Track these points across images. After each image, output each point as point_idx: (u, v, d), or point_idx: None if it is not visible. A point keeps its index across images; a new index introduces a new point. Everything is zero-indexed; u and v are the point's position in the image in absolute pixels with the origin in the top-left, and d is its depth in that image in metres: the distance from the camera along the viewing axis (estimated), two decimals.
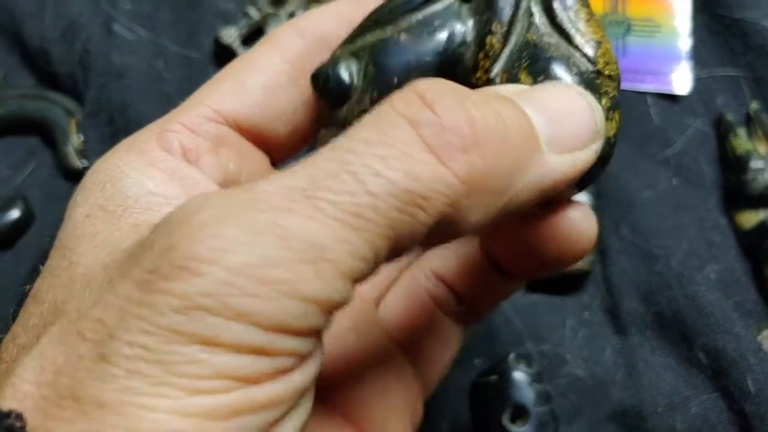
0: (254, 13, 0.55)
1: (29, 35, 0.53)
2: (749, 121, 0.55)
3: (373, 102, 0.26)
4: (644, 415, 0.46)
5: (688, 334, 0.47)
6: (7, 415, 0.19)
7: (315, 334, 0.20)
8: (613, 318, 0.49)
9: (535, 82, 0.26)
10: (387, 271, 0.32)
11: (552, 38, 0.26)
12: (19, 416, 0.19)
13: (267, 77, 0.27)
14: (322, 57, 0.28)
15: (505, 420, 0.42)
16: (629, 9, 0.58)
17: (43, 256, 0.47)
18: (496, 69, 0.26)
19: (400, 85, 0.25)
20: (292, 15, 0.55)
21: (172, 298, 0.18)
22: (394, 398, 0.30)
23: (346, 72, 0.27)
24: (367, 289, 0.32)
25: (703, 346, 0.47)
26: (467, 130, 0.20)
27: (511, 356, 0.44)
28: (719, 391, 0.46)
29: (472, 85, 0.26)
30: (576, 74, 0.26)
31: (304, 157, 0.20)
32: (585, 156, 0.24)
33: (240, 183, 0.26)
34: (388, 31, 0.27)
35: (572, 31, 0.26)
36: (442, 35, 0.27)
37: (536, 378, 0.44)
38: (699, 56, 0.58)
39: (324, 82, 0.27)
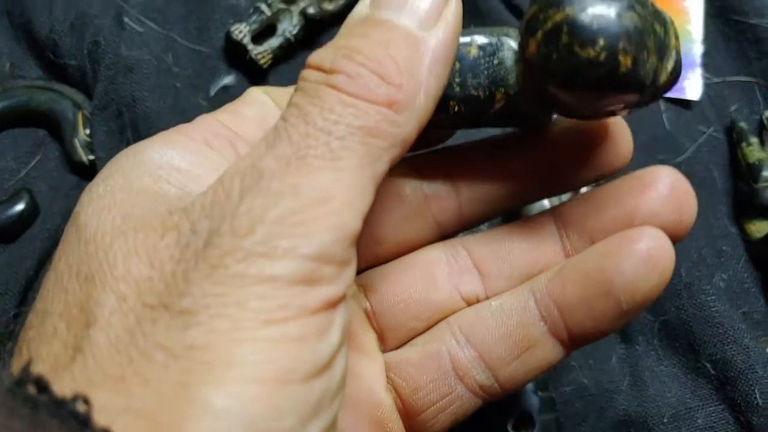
0: (265, 9, 0.54)
1: (38, 26, 0.52)
2: (762, 129, 0.55)
3: None
4: (650, 425, 0.45)
5: (696, 343, 0.47)
6: (71, 400, 0.20)
7: (345, 254, 0.24)
8: None
9: None
10: None
11: None
12: (86, 400, 0.20)
13: (259, 108, 0.31)
14: None
15: (510, 428, 0.42)
16: None
17: (47, 251, 0.47)
18: None
19: None
20: (303, 11, 0.54)
21: (232, 255, 0.22)
22: None
23: None
24: None
25: (711, 356, 0.46)
26: (363, 70, 0.25)
27: None
28: (726, 402, 0.45)
29: None
30: None
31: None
32: (454, 9, 0.27)
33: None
34: None
35: None
36: None
37: (541, 385, 0.43)
38: (712, 62, 0.58)
39: None
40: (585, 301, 0.29)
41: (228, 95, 0.53)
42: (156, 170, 0.26)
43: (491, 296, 0.32)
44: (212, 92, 0.53)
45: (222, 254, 0.22)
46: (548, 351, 0.31)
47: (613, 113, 0.28)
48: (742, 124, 0.55)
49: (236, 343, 0.21)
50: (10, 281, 0.46)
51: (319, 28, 0.56)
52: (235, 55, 0.54)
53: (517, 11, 0.57)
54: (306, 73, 0.25)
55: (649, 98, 0.27)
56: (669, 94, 0.56)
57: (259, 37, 0.54)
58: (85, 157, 0.50)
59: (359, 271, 0.32)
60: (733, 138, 0.55)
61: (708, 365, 0.46)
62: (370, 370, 0.31)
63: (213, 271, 0.22)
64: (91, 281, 0.23)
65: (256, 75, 0.54)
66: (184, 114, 0.51)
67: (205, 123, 0.29)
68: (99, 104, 0.50)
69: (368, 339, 0.32)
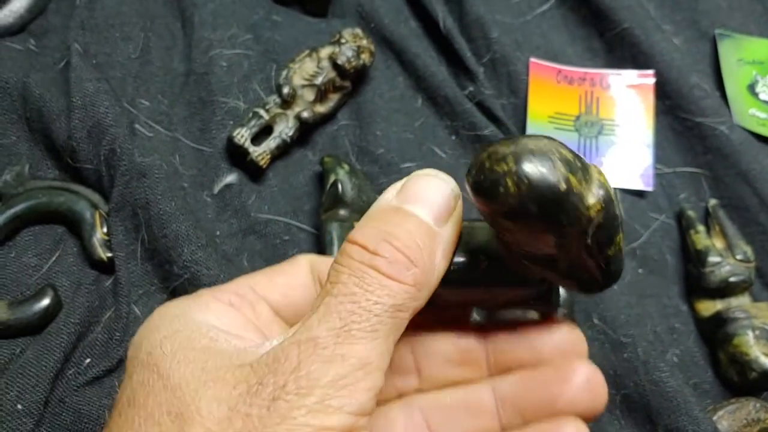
0: (263, 114, 0.60)
1: (56, 132, 0.57)
2: (708, 217, 0.62)
3: None
4: None
5: (653, 415, 0.54)
6: None
7: (373, 406, 0.31)
8: None
9: None
10: None
11: None
12: None
13: (290, 278, 0.38)
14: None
15: None
16: (602, 111, 0.65)
17: (72, 344, 0.52)
18: None
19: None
20: (298, 115, 0.60)
21: (298, 409, 0.29)
22: None
23: None
24: None
25: (666, 426, 0.53)
26: (399, 255, 0.31)
27: None
28: None
29: None
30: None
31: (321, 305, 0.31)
32: (458, 213, 0.34)
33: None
34: None
35: None
36: None
37: None
38: (664, 154, 0.65)
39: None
40: None
41: (231, 192, 0.59)
42: (207, 332, 0.33)
43: None
44: (216, 190, 0.59)
45: (290, 408, 0.29)
46: None
47: (553, 262, 0.33)
48: (690, 213, 0.62)
49: None
50: (39, 374, 0.50)
51: (312, 128, 0.62)
52: (236, 155, 0.60)
53: (488, 113, 0.64)
54: (351, 249, 0.32)
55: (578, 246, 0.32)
56: (624, 186, 0.63)
57: (256, 138, 0.60)
58: (104, 254, 0.55)
59: None
60: (683, 225, 0.62)
61: None
62: None
63: (283, 420, 0.29)
64: (182, 417, 0.30)
65: (255, 173, 0.60)
66: (193, 213, 0.56)
67: (236, 286, 0.37)
68: (115, 206, 0.55)
69: None
